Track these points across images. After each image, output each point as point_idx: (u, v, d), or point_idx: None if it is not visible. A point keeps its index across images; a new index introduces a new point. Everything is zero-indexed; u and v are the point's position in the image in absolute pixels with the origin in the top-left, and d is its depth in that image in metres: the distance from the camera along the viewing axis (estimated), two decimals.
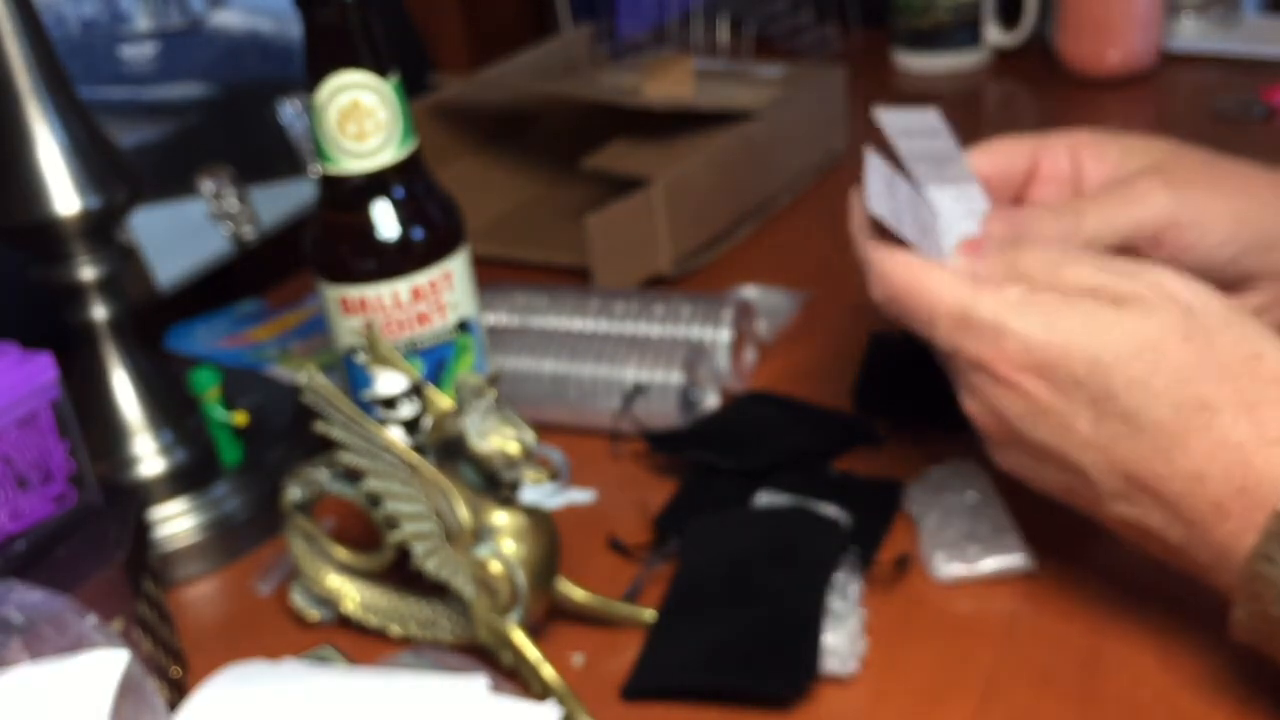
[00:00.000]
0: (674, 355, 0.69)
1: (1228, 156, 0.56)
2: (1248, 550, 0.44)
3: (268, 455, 0.68)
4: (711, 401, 0.71)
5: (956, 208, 0.54)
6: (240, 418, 0.67)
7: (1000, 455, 0.51)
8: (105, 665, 0.42)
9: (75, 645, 0.44)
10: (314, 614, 0.60)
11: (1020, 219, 0.53)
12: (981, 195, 0.55)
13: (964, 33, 1.15)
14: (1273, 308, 0.55)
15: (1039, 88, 1.13)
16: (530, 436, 0.52)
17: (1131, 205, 0.53)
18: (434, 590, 0.56)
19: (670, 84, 0.95)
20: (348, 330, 0.61)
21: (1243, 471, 0.44)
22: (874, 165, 0.54)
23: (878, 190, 0.52)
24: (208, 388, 0.66)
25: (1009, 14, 1.16)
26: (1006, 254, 0.50)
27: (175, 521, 0.65)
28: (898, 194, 0.54)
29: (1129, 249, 0.54)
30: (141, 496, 0.63)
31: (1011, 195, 0.58)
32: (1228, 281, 0.54)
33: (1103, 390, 0.46)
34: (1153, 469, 0.45)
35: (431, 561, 0.54)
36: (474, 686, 0.46)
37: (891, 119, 0.57)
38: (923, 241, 0.52)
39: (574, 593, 0.57)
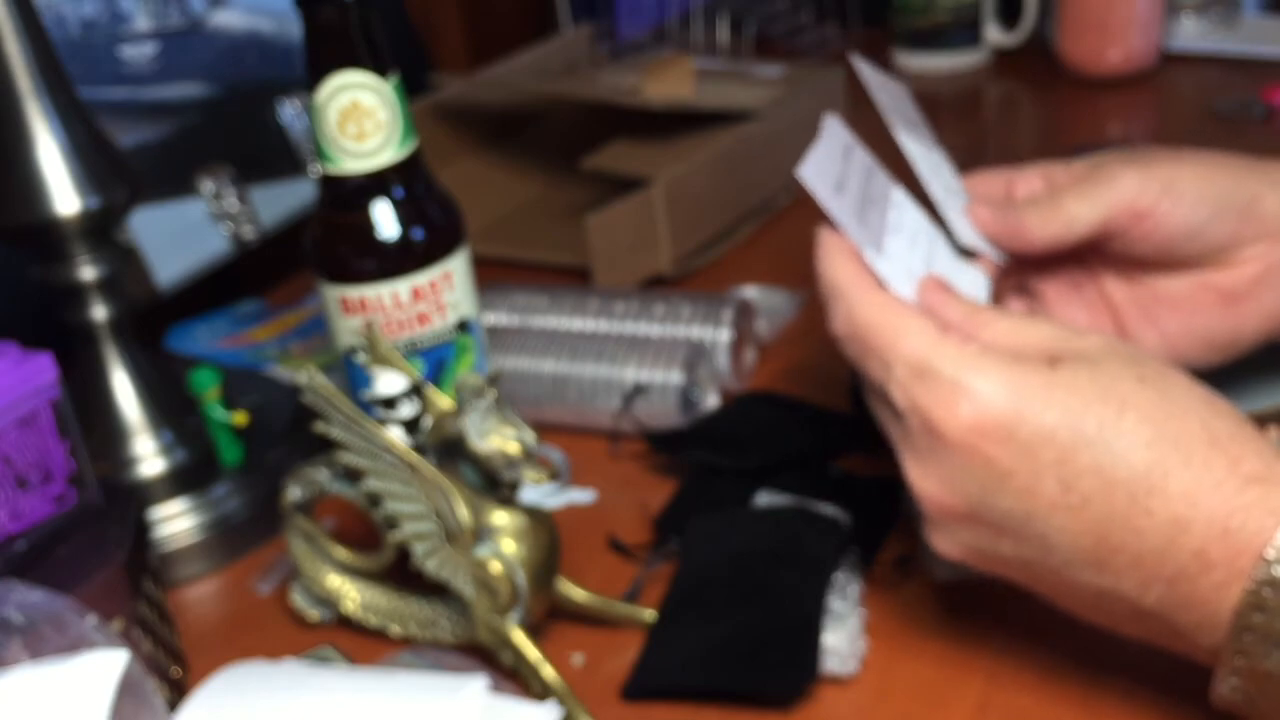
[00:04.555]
0: (674, 355, 0.69)
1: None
2: (1234, 602, 0.42)
3: (268, 455, 0.68)
4: (711, 401, 0.71)
5: (928, 157, 0.55)
6: (240, 418, 0.67)
7: (947, 536, 0.48)
8: (105, 665, 0.42)
9: (75, 645, 0.44)
10: (314, 614, 0.60)
11: (1004, 215, 0.54)
12: (949, 165, 0.56)
13: (964, 33, 1.15)
14: (1268, 278, 0.55)
15: (1039, 88, 1.13)
16: (530, 436, 0.52)
17: (1104, 186, 0.54)
18: (434, 590, 0.56)
19: (670, 84, 0.95)
20: (348, 330, 0.61)
21: (1226, 512, 0.42)
22: (832, 130, 0.53)
23: (821, 157, 0.51)
24: (208, 388, 0.66)
25: (1009, 14, 1.16)
26: (966, 306, 0.50)
27: (175, 521, 0.65)
28: (852, 162, 0.53)
29: (1110, 233, 0.54)
30: (141, 496, 0.64)
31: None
32: (1212, 249, 0.55)
33: (1072, 441, 0.44)
34: (1130, 524, 0.43)
35: (431, 561, 0.54)
36: (474, 686, 0.46)
37: (871, 74, 0.56)
38: (850, 222, 0.50)
39: (574, 593, 0.57)
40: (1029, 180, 0.58)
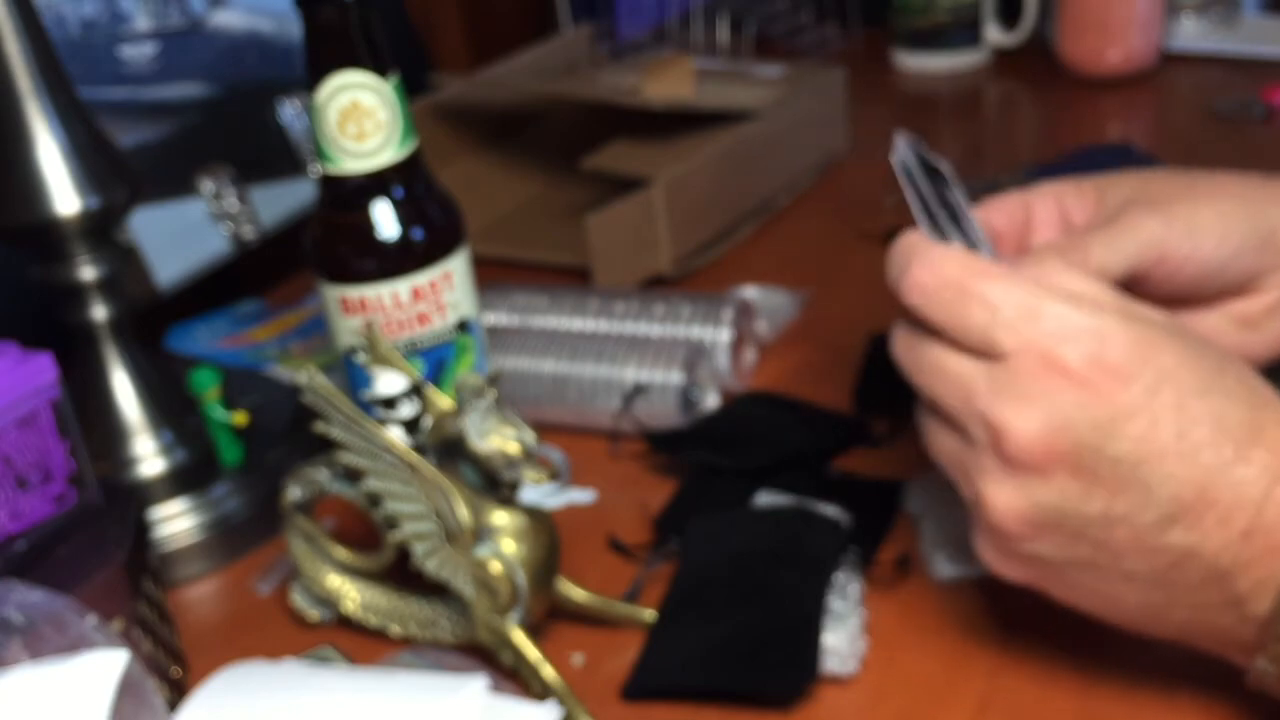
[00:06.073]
0: (674, 355, 0.69)
1: (1200, 170, 0.56)
2: None
3: (268, 455, 0.68)
4: (711, 401, 0.71)
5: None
6: (240, 418, 0.67)
7: (1018, 491, 0.47)
8: (105, 665, 0.43)
9: (75, 645, 0.44)
10: (314, 614, 0.60)
11: (1030, 264, 0.53)
12: (978, 228, 0.55)
13: (964, 33, 1.15)
14: None
15: (1039, 88, 1.13)
16: (530, 436, 0.52)
17: (1126, 235, 0.53)
18: (434, 590, 0.56)
19: (670, 84, 0.95)
20: (348, 330, 0.61)
21: None
22: (904, 145, 0.53)
23: (906, 152, 0.51)
24: (208, 388, 0.66)
25: (1009, 14, 1.16)
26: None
27: (175, 521, 0.65)
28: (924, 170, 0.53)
29: (1134, 280, 0.54)
30: (141, 496, 0.64)
31: (1018, 244, 0.58)
32: (1236, 285, 0.55)
33: (1191, 389, 0.44)
34: (1232, 474, 0.44)
35: (431, 561, 0.54)
36: (474, 686, 0.46)
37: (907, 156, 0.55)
38: (924, 219, 0.50)
39: (574, 593, 0.57)
40: (1044, 204, 0.57)
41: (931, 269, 0.48)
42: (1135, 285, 0.55)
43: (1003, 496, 0.47)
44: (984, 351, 0.47)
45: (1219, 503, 0.44)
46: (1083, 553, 0.47)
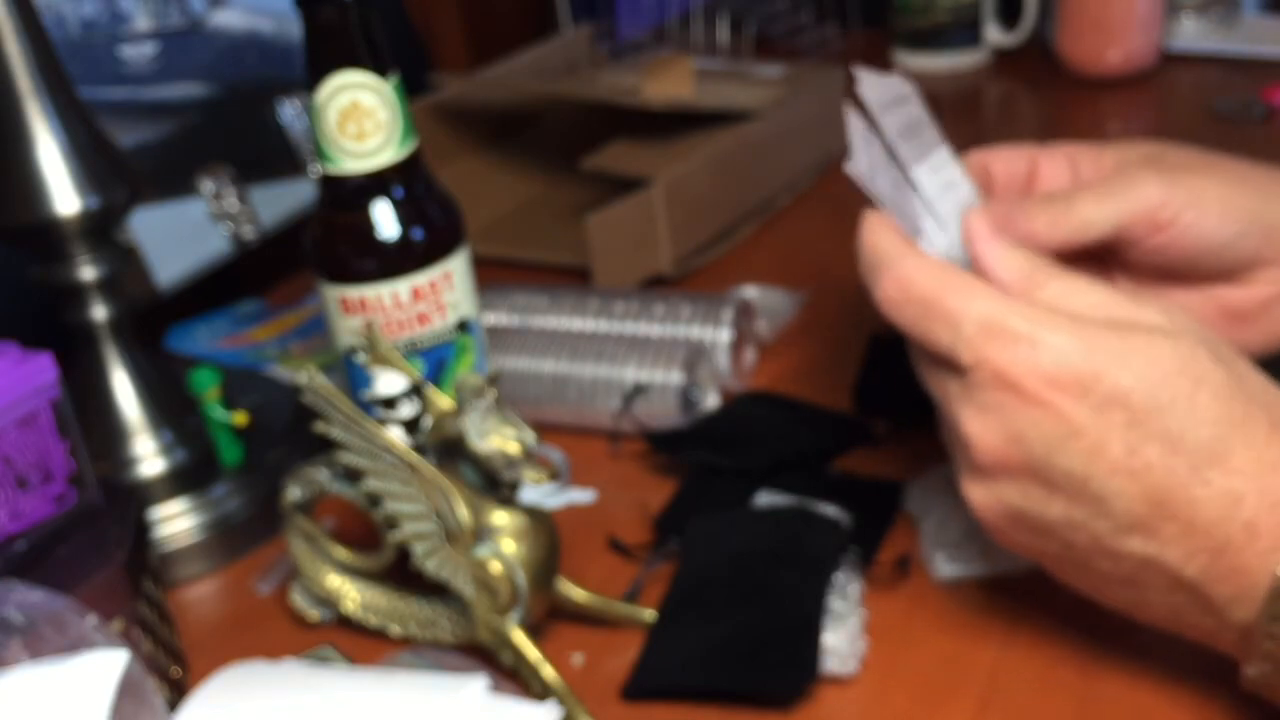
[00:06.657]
0: (674, 355, 0.69)
1: (1222, 153, 0.56)
2: (1271, 575, 0.42)
3: (268, 455, 0.68)
4: (711, 401, 0.71)
5: (934, 179, 0.54)
6: (240, 418, 0.67)
7: (990, 492, 0.48)
8: (105, 665, 0.42)
9: (75, 645, 0.44)
10: (314, 614, 0.60)
11: (1006, 210, 0.53)
12: (957, 165, 0.55)
13: (964, 33, 1.15)
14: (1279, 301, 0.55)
15: (1039, 88, 1.13)
16: (530, 436, 0.52)
17: (1123, 191, 0.53)
18: (434, 590, 0.56)
19: (670, 84, 0.95)
20: (348, 330, 0.61)
21: (1277, 485, 0.43)
22: (854, 125, 0.53)
23: (858, 150, 0.51)
24: (208, 388, 0.66)
25: (1009, 14, 1.16)
26: (1021, 265, 0.49)
27: (175, 521, 0.65)
28: (873, 151, 0.53)
29: (1127, 239, 0.54)
30: (141, 496, 0.64)
31: (1016, 196, 0.58)
32: (1232, 267, 0.54)
33: (1145, 409, 0.44)
34: (1187, 493, 0.44)
35: (431, 561, 0.54)
36: (474, 686, 0.46)
37: (871, 89, 0.55)
38: (893, 205, 0.51)
39: (574, 593, 0.57)
40: (1054, 163, 0.56)
41: (898, 283, 0.49)
42: (1128, 248, 0.54)
43: (976, 494, 0.49)
44: (950, 364, 0.48)
45: (1177, 518, 0.44)
46: (1055, 548, 0.48)
